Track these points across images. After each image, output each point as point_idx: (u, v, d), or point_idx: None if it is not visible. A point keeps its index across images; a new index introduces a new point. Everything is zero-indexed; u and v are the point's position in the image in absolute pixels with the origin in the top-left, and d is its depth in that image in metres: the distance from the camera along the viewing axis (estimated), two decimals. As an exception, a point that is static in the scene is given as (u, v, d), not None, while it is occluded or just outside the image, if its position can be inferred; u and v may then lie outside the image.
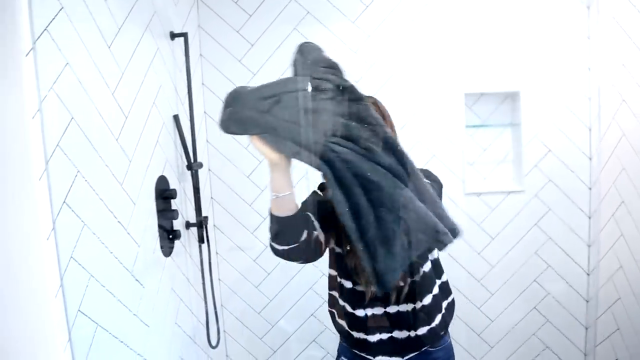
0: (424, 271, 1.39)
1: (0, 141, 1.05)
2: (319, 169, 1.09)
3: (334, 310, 1.54)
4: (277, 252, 1.28)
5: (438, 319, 1.42)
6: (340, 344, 1.59)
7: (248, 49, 2.31)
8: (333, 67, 1.10)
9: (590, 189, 2.30)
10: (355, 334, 1.44)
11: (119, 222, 1.42)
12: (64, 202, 1.15)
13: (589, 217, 2.32)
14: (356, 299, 1.42)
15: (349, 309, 1.44)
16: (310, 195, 1.41)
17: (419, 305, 1.38)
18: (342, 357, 1.55)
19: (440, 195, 1.36)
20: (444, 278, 1.48)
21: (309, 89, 1.04)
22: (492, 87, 2.30)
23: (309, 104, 1.04)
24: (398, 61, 2.27)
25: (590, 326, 2.37)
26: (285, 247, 1.23)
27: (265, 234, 2.41)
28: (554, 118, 2.29)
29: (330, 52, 2.22)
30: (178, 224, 1.92)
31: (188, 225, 2.04)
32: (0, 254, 1.08)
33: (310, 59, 1.10)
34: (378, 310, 1.40)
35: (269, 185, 1.17)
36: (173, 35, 1.98)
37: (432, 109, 2.29)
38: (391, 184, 1.07)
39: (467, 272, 2.37)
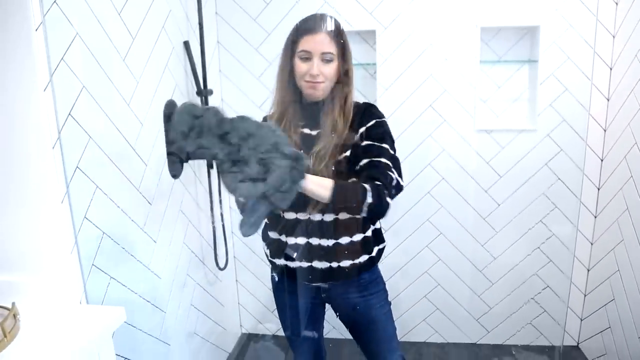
0: None
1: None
2: None
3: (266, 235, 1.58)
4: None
5: (364, 258, 1.43)
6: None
7: (263, -20, 2.28)
8: None
9: (605, 130, 2.26)
10: (277, 261, 1.48)
11: (125, 138, 1.48)
12: (69, 114, 1.20)
13: (602, 160, 2.29)
14: (278, 224, 1.45)
15: (273, 235, 1.48)
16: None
17: (345, 241, 1.39)
18: (273, 274, 1.59)
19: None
20: (378, 225, 1.49)
21: None
22: (510, 21, 2.22)
23: None
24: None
25: (592, 268, 2.39)
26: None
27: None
28: (574, 56, 2.21)
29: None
30: (188, 149, 1.97)
31: (198, 151, 2.09)
32: (9, 161, 1.15)
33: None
34: (300, 240, 1.41)
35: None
36: (184, -40, 1.96)
37: (446, 42, 2.24)
38: None
39: (472, 209, 2.39)
